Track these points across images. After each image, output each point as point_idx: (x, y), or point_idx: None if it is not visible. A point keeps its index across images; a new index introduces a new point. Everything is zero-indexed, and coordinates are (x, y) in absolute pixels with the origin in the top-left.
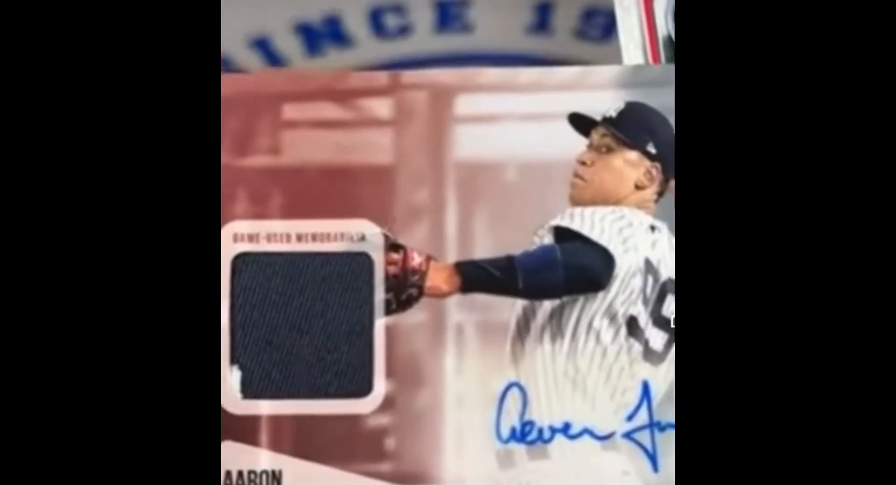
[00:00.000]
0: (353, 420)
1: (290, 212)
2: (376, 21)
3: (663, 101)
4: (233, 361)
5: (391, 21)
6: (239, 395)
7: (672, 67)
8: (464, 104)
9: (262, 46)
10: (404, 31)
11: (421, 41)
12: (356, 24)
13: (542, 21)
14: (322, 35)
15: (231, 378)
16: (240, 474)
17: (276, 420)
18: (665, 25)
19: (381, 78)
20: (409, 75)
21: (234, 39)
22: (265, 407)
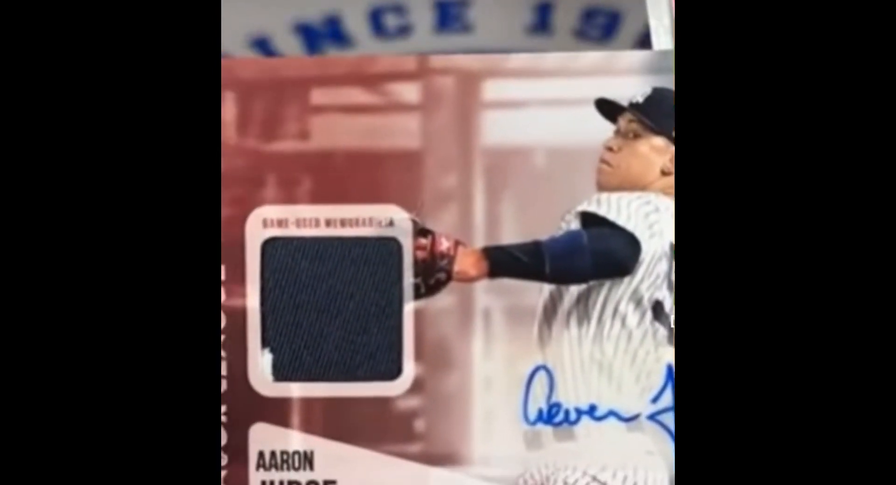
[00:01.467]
0: (383, 402)
1: (319, 197)
2: (376, 21)
3: None
4: (264, 344)
5: (391, 21)
6: (270, 377)
7: None
8: (491, 89)
9: (262, 46)
10: (404, 31)
11: (421, 41)
12: (356, 24)
13: (542, 21)
14: (322, 35)
15: (262, 361)
16: (272, 454)
17: (307, 402)
18: None
19: (409, 62)
20: (436, 60)
21: (234, 39)
22: (296, 389)
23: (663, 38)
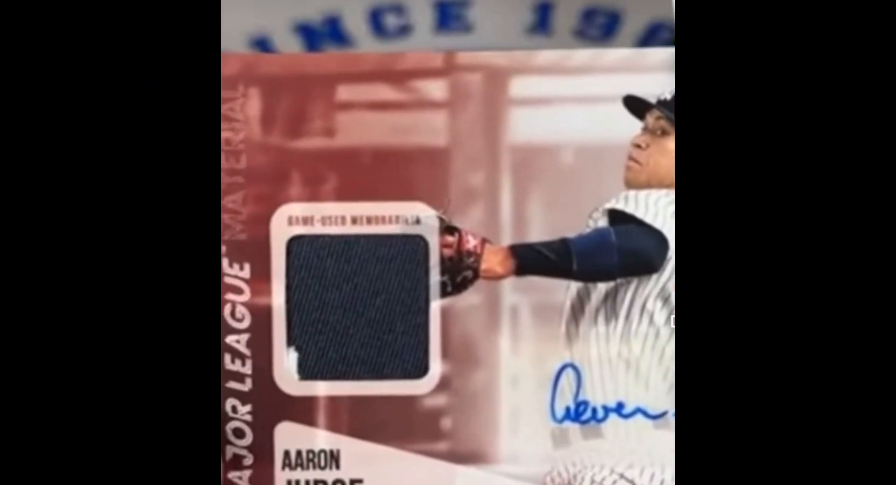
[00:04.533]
0: (410, 401)
1: (345, 194)
2: (376, 21)
3: None
4: (290, 342)
5: (391, 21)
6: (296, 376)
7: None
8: (518, 86)
9: (262, 46)
10: (404, 31)
11: (421, 41)
12: (356, 24)
13: (542, 21)
14: (322, 35)
15: (288, 360)
16: (298, 453)
17: (333, 401)
18: None
19: (436, 59)
20: (463, 56)
21: (234, 39)
22: (322, 388)
23: None
